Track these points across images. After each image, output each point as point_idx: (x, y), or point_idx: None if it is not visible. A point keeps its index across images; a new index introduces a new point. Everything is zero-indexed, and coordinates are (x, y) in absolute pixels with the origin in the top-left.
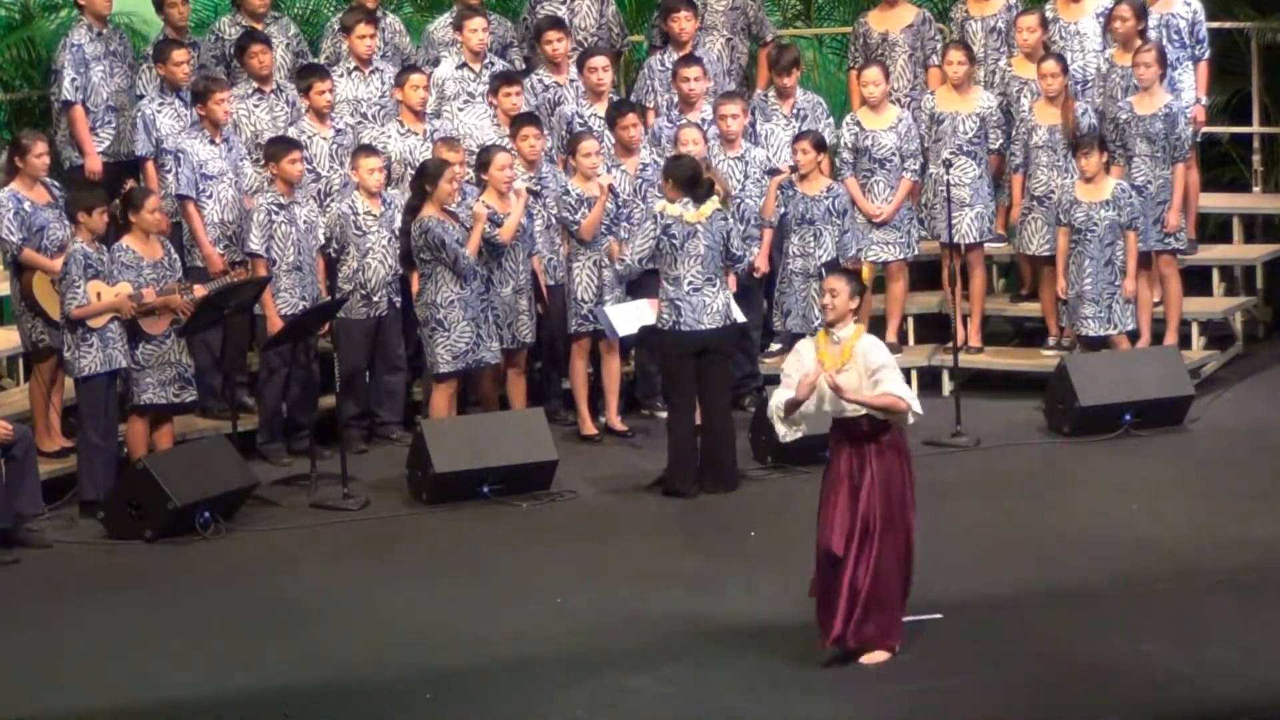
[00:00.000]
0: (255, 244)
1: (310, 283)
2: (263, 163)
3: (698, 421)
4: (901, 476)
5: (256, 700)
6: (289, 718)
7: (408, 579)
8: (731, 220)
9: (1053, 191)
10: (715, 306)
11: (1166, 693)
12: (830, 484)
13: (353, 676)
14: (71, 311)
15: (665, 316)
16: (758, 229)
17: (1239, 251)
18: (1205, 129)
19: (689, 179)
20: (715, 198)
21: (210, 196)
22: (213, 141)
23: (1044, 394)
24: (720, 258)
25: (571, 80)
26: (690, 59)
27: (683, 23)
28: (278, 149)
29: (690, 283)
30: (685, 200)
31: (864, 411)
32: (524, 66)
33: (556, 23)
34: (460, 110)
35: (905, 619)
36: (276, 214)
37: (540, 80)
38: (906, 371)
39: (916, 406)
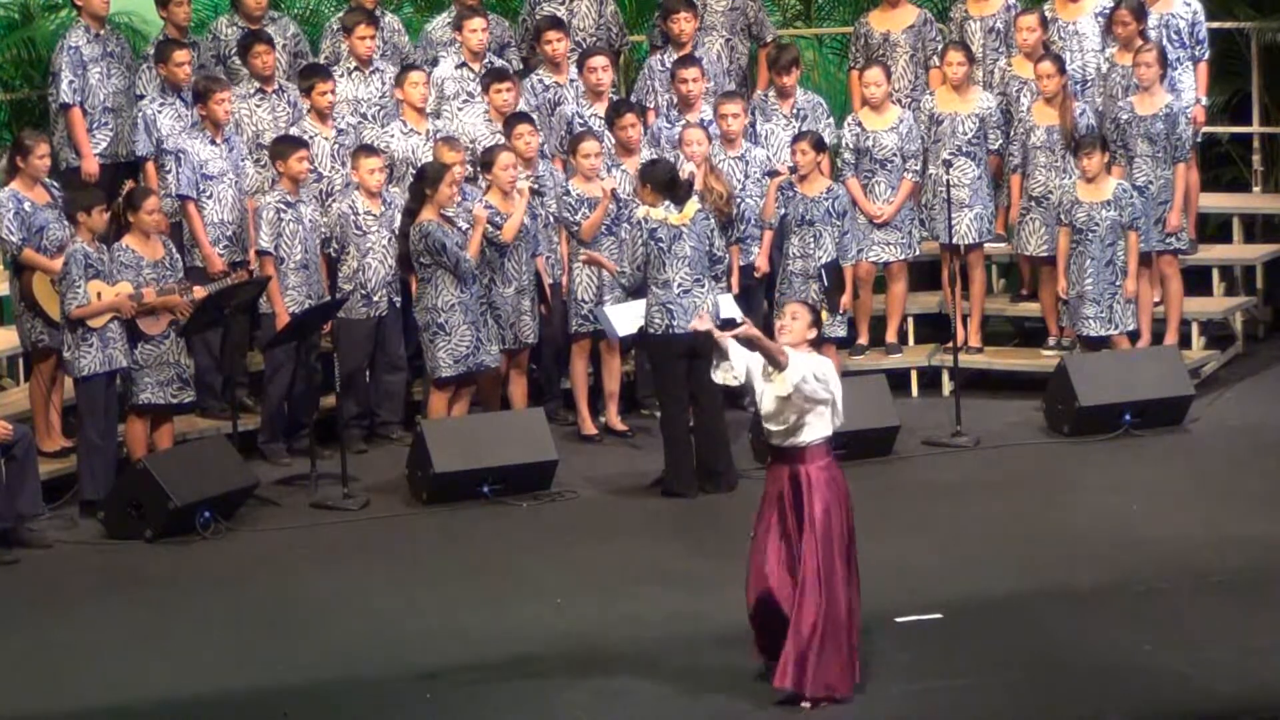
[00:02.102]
0: (265, 242)
1: (316, 281)
2: (267, 162)
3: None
4: (841, 512)
5: (256, 700)
6: (289, 718)
7: (408, 579)
8: (713, 221)
9: (1051, 192)
10: (705, 308)
11: (1166, 693)
12: (763, 526)
13: (353, 676)
14: (72, 311)
15: (657, 320)
16: (758, 229)
17: (1239, 251)
18: (1205, 129)
19: (666, 182)
20: (695, 198)
21: (210, 197)
22: (213, 142)
23: (1044, 394)
24: (706, 259)
25: (571, 80)
26: (688, 60)
27: (682, 23)
28: (284, 148)
29: (680, 285)
30: (667, 203)
31: (793, 441)
32: (522, 66)
33: (556, 23)
34: (460, 110)
35: (905, 619)
36: (285, 212)
37: (540, 80)
38: (906, 371)
39: (795, 376)
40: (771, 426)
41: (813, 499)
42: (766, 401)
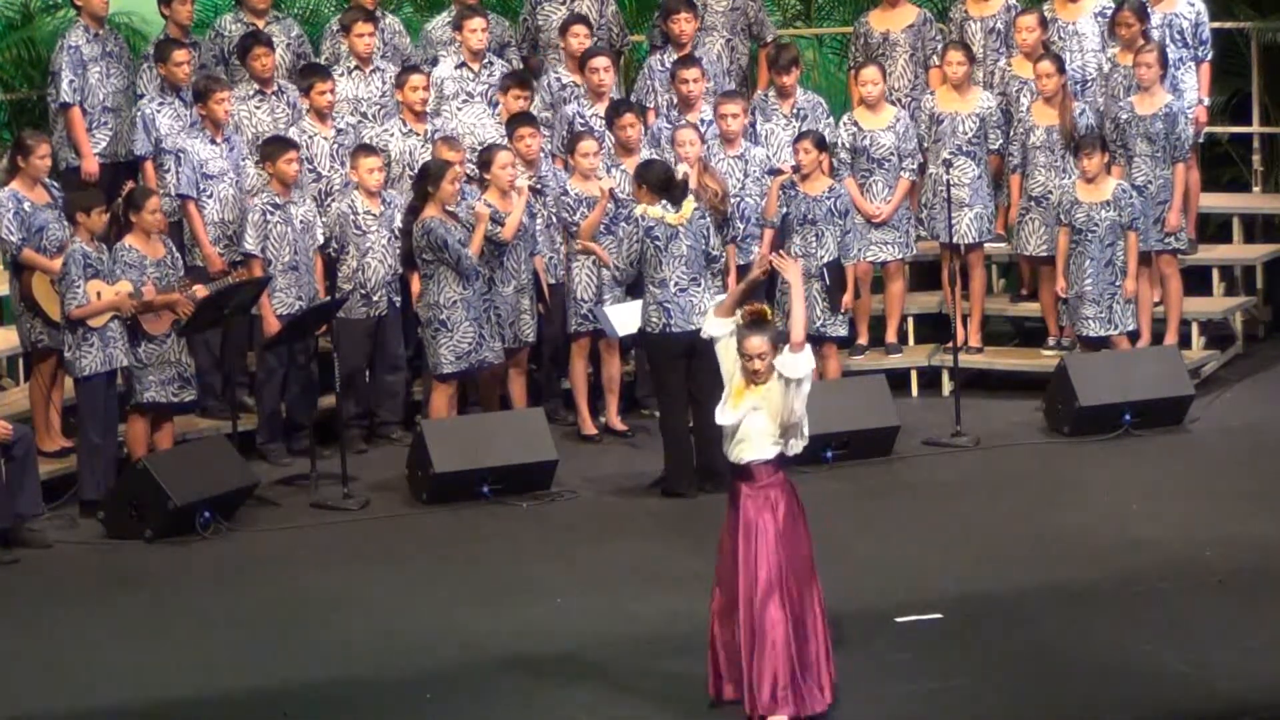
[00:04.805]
0: (251, 244)
1: (307, 283)
2: (259, 162)
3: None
4: (764, 543)
5: (256, 700)
6: (289, 718)
7: (408, 579)
8: (710, 220)
9: (1050, 192)
10: (702, 306)
11: (1166, 693)
12: (725, 541)
13: (353, 676)
14: (72, 311)
15: (654, 319)
16: (758, 228)
17: (1239, 251)
18: (1205, 129)
19: (661, 182)
20: (691, 197)
21: (210, 196)
22: (213, 141)
23: (1044, 394)
24: (703, 258)
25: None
26: (689, 60)
27: (683, 24)
28: (273, 149)
29: (676, 284)
30: (664, 203)
31: (748, 459)
32: (522, 66)
33: (581, 19)
34: (459, 110)
35: (905, 619)
36: (272, 214)
37: (558, 79)
38: (906, 371)
39: (803, 364)
40: (725, 420)
41: (739, 524)
42: (734, 389)
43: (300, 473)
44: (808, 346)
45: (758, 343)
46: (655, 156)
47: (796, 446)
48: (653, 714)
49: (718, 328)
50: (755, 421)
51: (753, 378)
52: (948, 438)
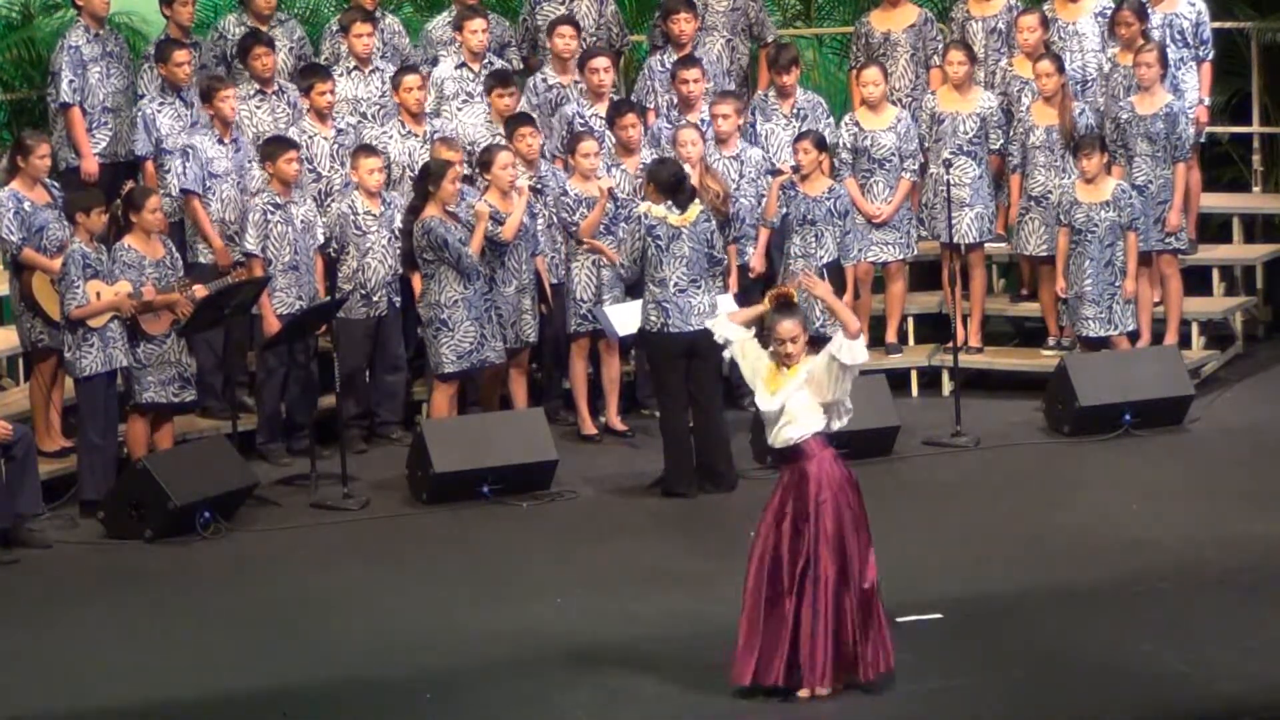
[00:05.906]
0: (251, 244)
1: (307, 282)
2: (259, 162)
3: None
4: (835, 507)
5: (256, 700)
6: (288, 718)
7: (408, 579)
8: (714, 222)
9: (1050, 192)
10: (702, 307)
11: (1166, 693)
12: (767, 521)
13: (352, 676)
14: (71, 312)
15: (653, 319)
16: (753, 228)
17: (1239, 251)
18: (1206, 129)
19: (671, 183)
20: (698, 201)
21: (213, 195)
22: (220, 140)
23: (1044, 394)
24: (705, 260)
25: (576, 81)
26: (689, 60)
27: (683, 24)
28: (274, 149)
29: (676, 284)
30: (668, 203)
31: (798, 437)
32: (522, 66)
33: (569, 19)
34: (459, 110)
35: (905, 619)
36: (272, 214)
37: (544, 79)
38: (906, 371)
39: (861, 351)
40: (768, 405)
41: (807, 499)
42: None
43: (300, 473)
44: (863, 336)
45: (790, 326)
46: (664, 156)
47: (842, 421)
48: (653, 714)
49: (734, 332)
50: (800, 399)
51: (785, 360)
52: (948, 438)
